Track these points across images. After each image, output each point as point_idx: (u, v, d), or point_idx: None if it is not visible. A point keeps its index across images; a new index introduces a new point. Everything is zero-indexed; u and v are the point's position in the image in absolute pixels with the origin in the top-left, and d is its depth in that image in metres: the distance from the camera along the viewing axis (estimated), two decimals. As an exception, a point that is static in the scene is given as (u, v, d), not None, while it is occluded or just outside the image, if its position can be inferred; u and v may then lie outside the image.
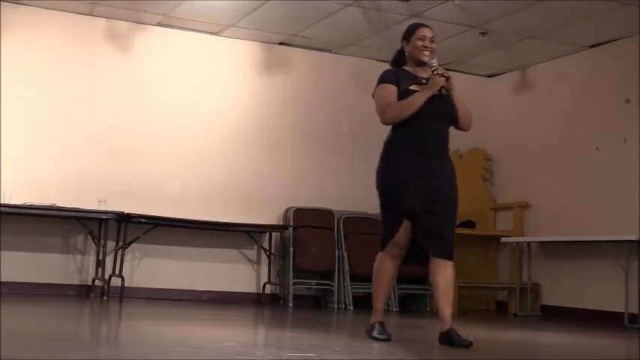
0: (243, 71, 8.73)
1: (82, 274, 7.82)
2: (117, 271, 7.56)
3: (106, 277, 7.54)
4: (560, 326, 7.23)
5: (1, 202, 7.25)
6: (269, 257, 8.33)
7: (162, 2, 7.73)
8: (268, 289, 8.33)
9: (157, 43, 8.39)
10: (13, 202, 7.30)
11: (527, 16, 7.51)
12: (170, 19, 8.17)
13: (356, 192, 8.85)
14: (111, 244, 7.69)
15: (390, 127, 4.83)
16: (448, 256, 4.59)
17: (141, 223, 7.64)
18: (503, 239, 8.81)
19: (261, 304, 8.18)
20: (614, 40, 8.01)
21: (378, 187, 4.76)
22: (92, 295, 7.58)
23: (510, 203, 9.07)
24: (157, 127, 8.26)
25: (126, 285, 7.51)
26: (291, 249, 8.29)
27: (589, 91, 8.32)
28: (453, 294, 4.67)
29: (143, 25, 8.30)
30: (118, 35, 8.22)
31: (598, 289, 7.84)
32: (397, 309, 8.24)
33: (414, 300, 8.71)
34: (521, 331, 6.73)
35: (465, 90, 5.57)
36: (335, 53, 9.05)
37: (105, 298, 7.36)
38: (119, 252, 7.63)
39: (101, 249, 7.56)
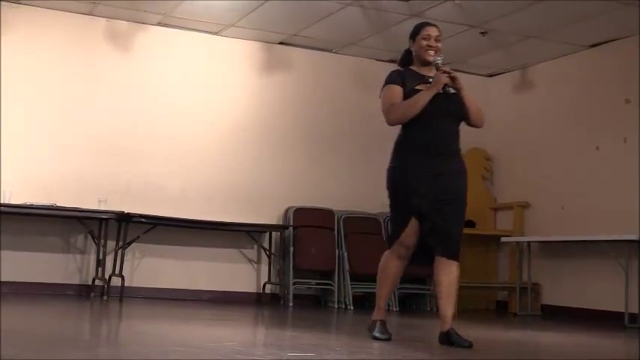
0: (243, 71, 8.73)
1: (82, 273, 7.82)
2: (117, 271, 7.57)
3: (106, 276, 7.54)
4: (560, 326, 7.23)
5: (1, 202, 7.25)
6: (269, 257, 8.33)
7: (163, 2, 7.73)
8: (268, 288, 8.34)
9: (157, 43, 8.39)
10: (13, 201, 7.30)
11: (527, 16, 7.51)
12: (170, 18, 8.17)
13: (356, 192, 8.88)
14: (111, 244, 7.69)
15: (399, 127, 4.80)
16: (454, 256, 4.58)
17: (141, 222, 7.64)
18: (503, 239, 8.81)
19: (262, 303, 8.18)
20: (614, 40, 8.01)
21: (387, 187, 4.76)
22: (92, 294, 7.58)
23: (510, 203, 9.07)
24: (157, 127, 8.26)
25: (126, 285, 7.51)
26: (292, 249, 8.29)
27: (589, 91, 8.32)
28: (456, 295, 4.65)
29: (143, 25, 8.30)
30: (119, 35, 8.22)
31: (598, 288, 7.84)
32: (397, 308, 8.24)
33: (414, 299, 8.71)
34: (521, 330, 6.73)
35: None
36: (335, 53, 9.05)
37: (105, 297, 7.36)
38: (119, 252, 7.64)
39: (101, 249, 7.56)
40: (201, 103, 8.48)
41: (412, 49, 4.81)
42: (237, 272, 8.38)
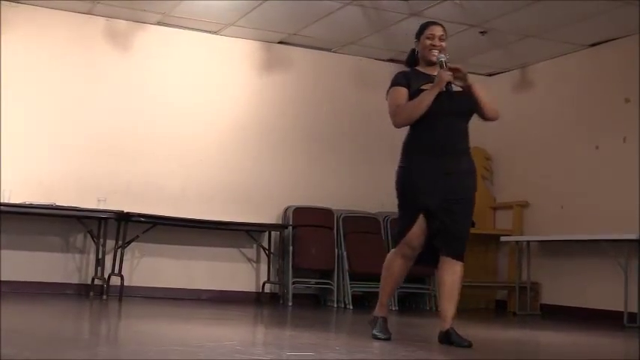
0: (243, 70, 8.73)
1: (81, 273, 7.82)
2: (116, 270, 7.57)
3: (106, 276, 7.54)
4: (559, 325, 7.23)
5: (1, 201, 7.24)
6: (268, 256, 8.33)
7: (162, 1, 7.72)
8: (268, 288, 8.33)
9: (157, 42, 8.39)
10: (12, 201, 7.30)
11: (526, 15, 7.51)
12: (169, 18, 8.17)
13: (355, 191, 8.88)
14: (110, 243, 7.68)
15: (400, 127, 4.78)
16: (459, 256, 4.57)
17: (140, 222, 7.64)
18: (502, 238, 8.81)
19: (261, 303, 8.18)
20: (613, 39, 8.01)
21: (396, 188, 4.71)
22: (91, 294, 7.57)
23: (510, 202, 9.07)
24: (156, 126, 8.26)
25: (125, 284, 7.51)
26: (291, 248, 8.28)
27: (589, 90, 8.32)
28: (458, 295, 4.64)
29: (143, 24, 8.30)
30: (118, 34, 8.22)
31: (597, 288, 7.84)
32: (397, 308, 8.25)
33: (414, 299, 8.71)
34: (520, 330, 6.73)
35: (465, 89, 5.56)
36: (335, 52, 9.05)
37: (104, 297, 7.36)
38: (118, 251, 7.64)
39: (100, 248, 7.56)
40: (200, 102, 8.48)
41: (417, 49, 4.79)
42: (236, 271, 8.38)
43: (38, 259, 7.65)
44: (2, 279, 7.31)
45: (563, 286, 8.29)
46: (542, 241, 8.49)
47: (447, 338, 4.51)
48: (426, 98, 4.54)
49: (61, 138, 7.89)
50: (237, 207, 8.37)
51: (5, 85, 7.68)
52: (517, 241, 8.69)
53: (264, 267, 8.40)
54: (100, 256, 7.56)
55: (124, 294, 7.44)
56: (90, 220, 7.61)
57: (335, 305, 8.20)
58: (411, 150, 4.67)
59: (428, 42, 4.70)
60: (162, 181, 8.18)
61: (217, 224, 8.03)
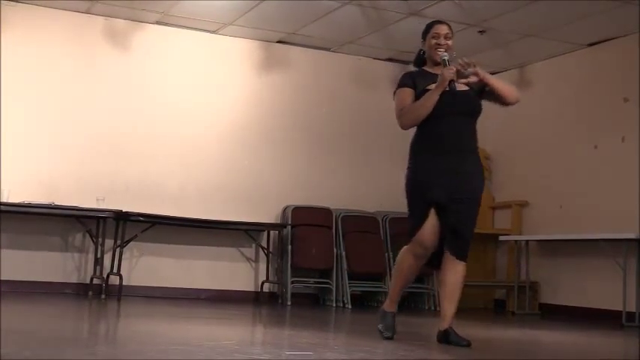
0: (242, 69, 8.73)
1: (80, 272, 7.82)
2: (115, 270, 7.57)
3: (105, 275, 7.54)
4: (558, 324, 7.24)
5: (0, 201, 7.24)
6: (267, 256, 8.33)
7: (161, 1, 7.72)
8: (266, 287, 8.34)
9: (156, 42, 8.39)
10: (11, 200, 7.29)
11: (525, 15, 7.51)
12: (168, 17, 8.16)
13: (354, 190, 8.89)
14: (109, 243, 7.68)
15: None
16: (462, 256, 4.56)
17: (139, 221, 7.64)
18: (501, 237, 8.81)
19: (260, 302, 8.18)
20: (612, 39, 8.01)
21: (405, 190, 4.68)
22: (90, 293, 7.56)
23: (509, 202, 9.07)
24: (155, 125, 8.25)
25: (124, 283, 7.52)
26: (290, 247, 8.28)
27: (587, 90, 8.32)
28: (459, 295, 4.63)
29: (141, 24, 8.29)
30: (117, 33, 8.22)
31: (596, 287, 7.84)
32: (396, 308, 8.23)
33: (413, 298, 8.71)
34: (519, 329, 6.73)
35: (464, 88, 5.56)
36: (333, 51, 9.05)
37: (103, 296, 7.35)
38: (117, 250, 7.64)
39: (99, 247, 7.55)
40: (199, 101, 8.48)
41: (423, 48, 4.77)
42: (235, 271, 8.38)
43: (37, 259, 7.65)
44: (1, 278, 7.30)
45: (562, 286, 8.29)
46: (541, 240, 8.49)
47: (446, 338, 4.51)
48: (430, 98, 4.51)
49: (59, 137, 7.88)
50: (236, 206, 8.37)
51: (3, 84, 7.67)
52: (516, 241, 8.69)
53: (263, 266, 8.40)
54: (99, 256, 7.56)
55: (123, 293, 7.44)
56: (89, 219, 7.61)
57: (334, 305, 8.20)
58: (417, 150, 4.64)
59: (433, 41, 4.67)
60: (161, 180, 8.18)
61: (216, 224, 8.03)
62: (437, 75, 4.58)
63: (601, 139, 8.08)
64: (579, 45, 8.32)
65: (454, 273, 4.56)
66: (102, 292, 7.40)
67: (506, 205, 9.11)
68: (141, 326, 5.25)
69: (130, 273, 7.92)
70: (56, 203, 7.46)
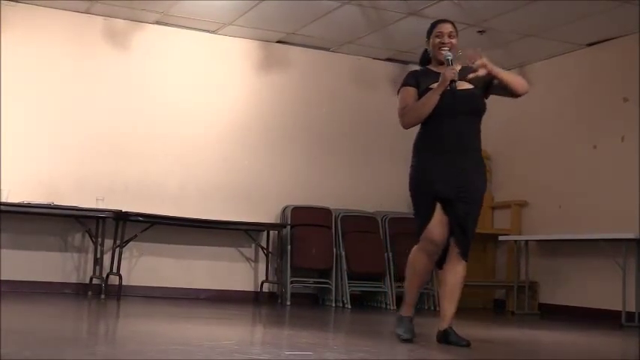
0: (241, 69, 8.73)
1: (79, 272, 7.82)
2: (115, 270, 7.57)
3: (104, 275, 7.54)
4: (557, 324, 7.24)
5: (0, 201, 7.24)
6: (267, 255, 8.33)
7: (160, 1, 7.72)
8: (266, 287, 8.33)
9: (155, 42, 8.39)
10: (11, 200, 7.29)
11: (525, 15, 7.51)
12: (168, 17, 8.16)
13: (354, 190, 8.89)
14: (109, 243, 7.68)
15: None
16: (463, 255, 4.56)
17: (139, 221, 7.64)
18: (501, 237, 8.81)
19: (259, 302, 8.18)
20: (612, 39, 8.02)
21: (409, 189, 4.66)
22: (90, 293, 7.56)
23: (508, 201, 9.07)
24: (154, 125, 8.25)
25: (124, 283, 7.52)
26: (289, 247, 8.28)
27: (587, 90, 8.32)
28: (459, 295, 4.62)
29: (141, 24, 8.29)
30: (116, 33, 8.21)
31: (595, 287, 7.84)
32: (394, 307, 8.25)
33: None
34: (518, 329, 6.74)
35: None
36: (333, 51, 9.05)
37: (103, 296, 7.35)
38: (117, 250, 7.64)
39: (99, 247, 7.55)
40: (198, 101, 8.48)
41: (428, 48, 4.75)
42: (234, 271, 8.38)
43: (36, 259, 7.65)
44: (1, 278, 7.30)
45: (562, 286, 8.29)
46: (540, 240, 8.50)
47: (446, 338, 4.51)
48: (431, 98, 4.50)
49: (58, 136, 7.88)
50: (235, 206, 8.37)
51: (3, 84, 7.67)
52: (515, 241, 8.69)
53: (262, 266, 8.40)
54: (99, 256, 7.56)
55: (123, 293, 7.45)
56: (88, 219, 7.61)
57: (333, 305, 8.20)
58: (419, 149, 4.63)
59: (437, 40, 4.66)
60: (160, 180, 8.18)
61: (216, 224, 8.03)
62: (440, 73, 4.57)
63: (600, 138, 8.08)
64: (579, 45, 8.32)
65: (454, 273, 4.56)
66: (101, 292, 7.40)
67: (506, 205, 9.11)
68: (140, 326, 5.25)
69: (130, 273, 7.92)
70: (56, 203, 7.46)
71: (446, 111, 4.49)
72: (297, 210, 8.49)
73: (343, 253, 8.40)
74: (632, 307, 7.12)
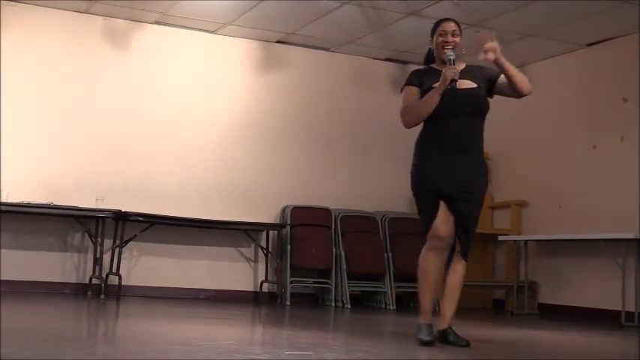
0: (241, 69, 8.73)
1: (79, 272, 7.82)
2: (114, 270, 7.56)
3: (104, 275, 7.54)
4: (557, 324, 7.24)
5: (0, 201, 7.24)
6: (266, 255, 8.33)
7: (160, 1, 7.72)
8: (266, 287, 8.33)
9: (155, 42, 8.39)
10: (10, 200, 7.29)
11: (524, 15, 7.51)
12: (167, 17, 8.16)
13: (353, 190, 8.89)
14: (108, 243, 7.68)
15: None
16: (463, 255, 4.55)
17: (138, 221, 7.64)
18: (500, 237, 8.81)
19: (259, 302, 8.17)
20: (612, 39, 8.01)
21: (411, 187, 4.65)
22: (89, 293, 7.56)
23: (508, 201, 9.07)
24: (154, 125, 8.25)
25: (123, 283, 7.52)
26: (289, 247, 8.28)
27: (587, 90, 8.32)
28: (459, 295, 4.61)
29: (140, 24, 8.29)
30: (116, 33, 8.21)
31: (595, 287, 7.84)
32: (394, 307, 8.25)
33: (411, 298, 8.70)
34: (518, 329, 6.74)
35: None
36: (333, 51, 9.04)
37: (102, 296, 7.34)
38: (116, 250, 7.63)
39: (98, 247, 7.55)
40: (198, 101, 8.48)
41: (432, 47, 4.73)
42: (234, 271, 8.38)
43: (36, 259, 7.65)
44: (1, 278, 7.30)
45: (561, 286, 8.29)
46: (540, 240, 8.49)
47: (445, 338, 4.51)
48: (433, 98, 4.48)
49: (58, 136, 7.88)
50: (235, 206, 8.37)
51: (3, 84, 7.66)
52: (515, 241, 8.69)
53: (262, 266, 8.39)
54: (98, 256, 7.56)
55: (122, 293, 7.44)
56: (88, 219, 7.61)
57: (333, 304, 8.20)
58: (420, 147, 4.62)
59: (440, 39, 4.64)
60: (160, 180, 8.18)
61: (215, 224, 8.03)
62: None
63: (600, 138, 8.08)
64: (579, 45, 8.32)
65: (454, 273, 4.56)
66: (101, 292, 7.40)
67: (506, 205, 9.11)
68: (140, 326, 5.25)
69: (129, 273, 7.92)
70: (55, 203, 7.46)
71: (446, 111, 4.48)
72: (296, 210, 8.49)
73: (343, 253, 8.39)
74: (631, 307, 7.11)
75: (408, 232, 8.53)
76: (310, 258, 8.28)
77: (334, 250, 8.40)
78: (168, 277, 8.09)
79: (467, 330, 4.99)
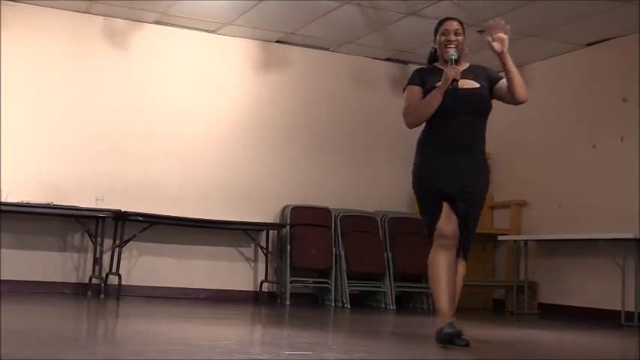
0: (241, 69, 8.73)
1: (79, 272, 7.82)
2: (114, 270, 7.56)
3: (104, 275, 7.54)
4: (557, 324, 7.24)
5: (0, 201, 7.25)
6: (266, 255, 8.33)
7: (159, 0, 7.72)
8: (265, 287, 8.33)
9: (155, 41, 8.39)
10: (10, 200, 7.29)
11: (524, 15, 7.51)
12: (167, 17, 8.16)
13: (353, 190, 8.89)
14: (108, 242, 7.68)
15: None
16: (464, 254, 4.55)
17: (138, 221, 7.64)
18: (500, 237, 8.81)
19: (259, 302, 8.17)
20: (611, 39, 8.01)
21: (412, 187, 4.64)
22: (89, 293, 7.56)
23: (507, 201, 9.07)
24: (154, 125, 8.25)
25: (123, 283, 7.52)
26: (289, 247, 8.28)
27: (586, 90, 8.32)
28: (459, 295, 4.60)
29: (140, 23, 8.29)
30: (116, 33, 8.21)
31: (595, 287, 7.84)
32: (394, 307, 8.25)
33: (410, 298, 8.71)
34: (518, 329, 6.74)
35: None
36: (332, 51, 9.04)
37: (102, 296, 7.34)
38: (116, 250, 7.63)
39: (98, 247, 7.55)
40: (198, 101, 8.48)
41: (435, 46, 4.71)
42: (234, 271, 8.38)
43: (36, 259, 7.65)
44: (0, 278, 7.30)
45: (561, 285, 8.29)
46: (540, 240, 8.49)
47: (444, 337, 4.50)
48: (434, 97, 4.47)
49: (58, 136, 7.88)
50: (235, 206, 8.37)
51: (3, 84, 7.66)
52: (515, 240, 8.69)
53: (261, 266, 8.39)
54: (98, 255, 7.56)
55: (122, 293, 7.44)
56: (88, 219, 7.61)
57: (333, 304, 8.19)
58: (422, 147, 4.61)
59: (443, 38, 4.62)
60: (160, 180, 8.18)
61: (215, 223, 8.03)
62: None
63: (600, 138, 8.08)
64: (578, 45, 8.32)
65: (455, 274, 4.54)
66: (101, 292, 7.40)
67: (505, 205, 9.10)
68: (140, 326, 5.25)
69: (129, 273, 7.91)
70: (55, 203, 7.46)
71: (448, 111, 4.47)
72: (296, 210, 8.49)
73: (343, 253, 8.39)
74: (631, 307, 7.12)
75: (408, 232, 8.54)
76: (310, 258, 8.28)
77: (334, 249, 8.39)
78: (168, 276, 8.09)
79: (466, 330, 4.97)
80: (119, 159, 8.05)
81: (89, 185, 7.86)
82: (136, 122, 8.17)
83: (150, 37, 8.35)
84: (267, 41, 8.77)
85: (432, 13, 7.32)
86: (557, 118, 8.63)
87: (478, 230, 8.76)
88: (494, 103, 4.81)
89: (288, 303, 8.04)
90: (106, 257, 7.65)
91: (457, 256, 4.55)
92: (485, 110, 4.61)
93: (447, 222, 4.44)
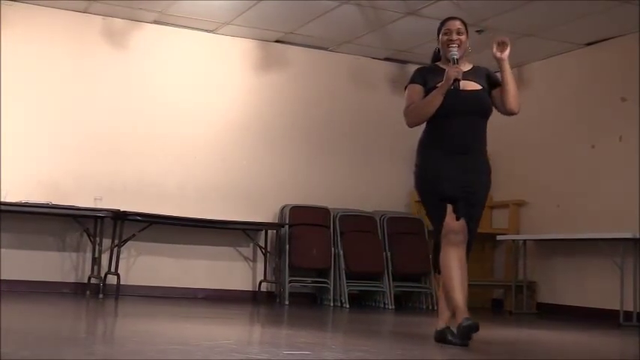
0: (240, 69, 8.73)
1: (77, 271, 7.82)
2: (113, 269, 7.56)
3: (102, 274, 7.54)
4: (556, 324, 7.24)
5: (-1, 200, 7.25)
6: (265, 255, 8.33)
7: (158, 0, 7.71)
8: (264, 286, 8.33)
9: (154, 41, 8.39)
10: (9, 199, 7.29)
11: (523, 14, 7.51)
12: (166, 16, 8.16)
13: (352, 190, 8.89)
14: (107, 242, 7.67)
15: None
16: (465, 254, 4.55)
17: (137, 221, 7.64)
18: (499, 237, 8.81)
19: (257, 301, 8.17)
20: (611, 38, 8.02)
21: (416, 189, 4.65)
22: (88, 292, 7.56)
23: (506, 201, 9.07)
24: (153, 125, 8.25)
25: (122, 283, 7.51)
26: (287, 247, 8.28)
27: (585, 89, 8.32)
28: (466, 292, 4.61)
29: (139, 23, 8.29)
30: (115, 33, 8.21)
31: (594, 286, 7.85)
32: (392, 307, 8.25)
33: (409, 297, 8.71)
34: (517, 329, 6.74)
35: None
36: (331, 51, 9.04)
37: (101, 295, 7.34)
38: (115, 250, 7.63)
39: (97, 247, 7.55)
40: (197, 101, 8.48)
41: (437, 45, 4.71)
42: (233, 270, 8.38)
43: (34, 258, 7.65)
44: (0, 278, 7.31)
45: (560, 285, 8.30)
46: (538, 240, 8.49)
47: (444, 337, 4.50)
48: (435, 97, 4.46)
49: (57, 136, 7.88)
50: (233, 206, 8.37)
51: (2, 83, 7.66)
52: (514, 240, 8.69)
53: (260, 266, 8.39)
54: (97, 255, 7.56)
55: (121, 293, 7.43)
56: (86, 218, 7.60)
57: (331, 304, 8.20)
58: (423, 148, 4.60)
59: (445, 37, 4.62)
60: (158, 179, 8.18)
61: (214, 223, 8.02)
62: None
63: (599, 138, 8.08)
64: (577, 44, 8.33)
65: None
66: (99, 292, 7.40)
67: (504, 205, 9.10)
68: (139, 326, 5.25)
69: (128, 272, 7.91)
70: (54, 203, 7.45)
71: (449, 111, 4.46)
72: (295, 209, 8.49)
73: (341, 253, 8.39)
74: (630, 307, 7.12)
75: (407, 232, 8.55)
76: (309, 257, 8.28)
77: (333, 249, 8.39)
78: (167, 276, 8.09)
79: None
80: (118, 158, 8.05)
81: (88, 185, 7.86)
82: (135, 122, 8.17)
83: (149, 36, 8.34)
84: (266, 41, 8.77)
85: (431, 12, 7.32)
86: (556, 118, 8.63)
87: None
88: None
89: (286, 303, 8.04)
90: (105, 257, 7.65)
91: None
92: (487, 112, 4.61)
93: (454, 219, 4.44)
